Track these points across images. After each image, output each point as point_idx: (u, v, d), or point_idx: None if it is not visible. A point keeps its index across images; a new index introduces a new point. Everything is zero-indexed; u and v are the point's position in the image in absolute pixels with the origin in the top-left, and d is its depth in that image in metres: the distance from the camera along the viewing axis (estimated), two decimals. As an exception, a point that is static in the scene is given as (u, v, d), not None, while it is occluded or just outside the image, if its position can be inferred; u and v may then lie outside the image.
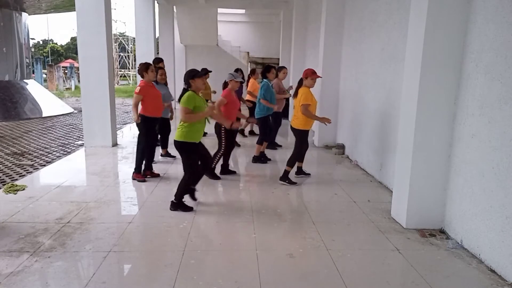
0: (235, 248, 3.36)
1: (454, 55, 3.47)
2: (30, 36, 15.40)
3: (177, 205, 4.12)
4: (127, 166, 6.10)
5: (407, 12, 4.26)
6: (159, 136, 6.19)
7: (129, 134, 9.22)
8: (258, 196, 4.72)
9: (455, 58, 3.48)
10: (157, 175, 5.35)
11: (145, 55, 11.48)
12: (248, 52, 18.30)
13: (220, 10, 16.66)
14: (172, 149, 6.49)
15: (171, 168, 5.86)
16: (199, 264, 3.03)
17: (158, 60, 7.10)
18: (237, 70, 7.58)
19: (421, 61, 3.48)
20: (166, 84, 6.10)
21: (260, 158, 6.26)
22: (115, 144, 7.57)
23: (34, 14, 16.61)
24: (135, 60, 28.90)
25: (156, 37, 12.88)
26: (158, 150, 6.27)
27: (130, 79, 43.15)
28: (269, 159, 6.35)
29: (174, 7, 14.94)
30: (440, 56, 3.47)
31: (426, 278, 2.89)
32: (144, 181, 5.12)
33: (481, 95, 3.19)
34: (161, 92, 5.38)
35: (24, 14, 14.06)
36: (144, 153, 5.13)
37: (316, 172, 5.77)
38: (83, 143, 7.59)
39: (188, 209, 4.10)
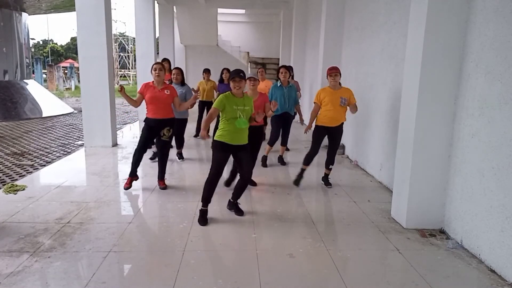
0: (235, 248, 3.36)
1: (454, 55, 3.47)
2: (30, 36, 15.41)
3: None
4: (127, 166, 6.09)
5: (407, 12, 4.26)
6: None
7: (129, 134, 9.23)
8: (258, 196, 4.72)
9: (455, 58, 3.48)
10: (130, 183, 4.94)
11: (145, 55, 11.48)
12: (248, 52, 18.31)
13: (220, 10, 16.68)
14: (184, 151, 6.67)
15: (176, 169, 5.86)
16: (199, 264, 3.03)
17: (162, 61, 7.17)
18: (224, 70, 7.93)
19: (421, 61, 3.48)
20: (182, 83, 6.04)
21: (282, 160, 6.32)
22: (115, 144, 7.57)
23: (34, 14, 16.61)
24: (135, 60, 28.90)
25: (156, 37, 12.87)
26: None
27: (130, 79, 43.17)
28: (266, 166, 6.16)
29: (174, 7, 14.94)
30: (440, 56, 3.47)
31: (426, 278, 2.89)
32: (165, 187, 4.91)
33: (481, 95, 3.19)
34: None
35: (24, 14, 14.07)
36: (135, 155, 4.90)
37: (316, 172, 5.77)
38: (83, 143, 7.59)
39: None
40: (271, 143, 6.18)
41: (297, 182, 5.12)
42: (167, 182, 5.06)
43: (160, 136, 4.78)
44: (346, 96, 4.83)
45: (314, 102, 4.97)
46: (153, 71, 4.74)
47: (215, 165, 3.86)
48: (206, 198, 3.93)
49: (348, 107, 4.92)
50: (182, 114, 6.09)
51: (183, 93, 5.96)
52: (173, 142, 6.84)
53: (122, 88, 4.64)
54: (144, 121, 4.86)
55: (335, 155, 5.11)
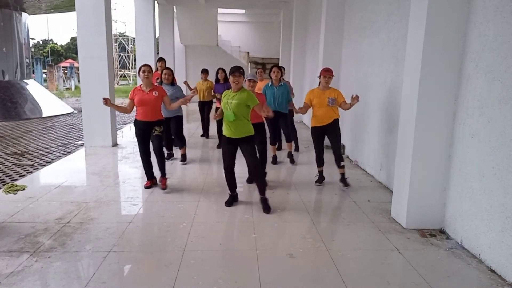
0: (235, 248, 3.36)
1: (454, 55, 3.47)
2: (30, 36, 15.40)
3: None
4: (127, 166, 6.10)
5: (407, 12, 4.26)
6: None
7: (129, 134, 9.22)
8: (258, 196, 4.71)
9: (455, 58, 3.48)
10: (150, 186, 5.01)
11: (145, 55, 11.50)
12: (248, 52, 18.31)
13: (220, 10, 16.68)
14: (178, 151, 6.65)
15: (176, 169, 5.86)
16: (199, 264, 3.03)
17: (158, 60, 7.18)
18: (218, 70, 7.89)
19: (421, 61, 3.48)
20: (172, 83, 6.10)
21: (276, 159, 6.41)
22: (115, 144, 7.57)
23: (34, 14, 16.60)
24: (135, 60, 28.89)
25: (156, 37, 12.88)
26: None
27: (130, 79, 43.17)
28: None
29: (174, 7, 14.94)
30: (440, 56, 3.47)
31: (426, 278, 2.89)
32: (165, 188, 4.90)
33: (481, 95, 3.19)
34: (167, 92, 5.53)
35: (24, 14, 14.07)
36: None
37: (316, 172, 5.76)
38: (83, 143, 7.59)
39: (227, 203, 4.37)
40: (272, 142, 6.32)
41: (319, 182, 5.26)
42: (167, 181, 5.07)
43: (152, 133, 4.81)
44: (333, 96, 4.97)
45: (304, 103, 5.15)
46: (141, 73, 4.70)
47: (223, 155, 4.38)
48: (229, 187, 4.40)
49: (339, 106, 5.06)
50: (176, 111, 6.11)
51: (174, 92, 5.98)
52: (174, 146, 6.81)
53: (106, 101, 4.55)
54: (134, 123, 4.90)
55: (339, 150, 5.15)
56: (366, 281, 2.85)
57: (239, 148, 4.28)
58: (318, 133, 5.14)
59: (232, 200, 4.37)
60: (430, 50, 3.46)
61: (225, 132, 4.27)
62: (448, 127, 3.59)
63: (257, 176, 4.34)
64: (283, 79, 6.77)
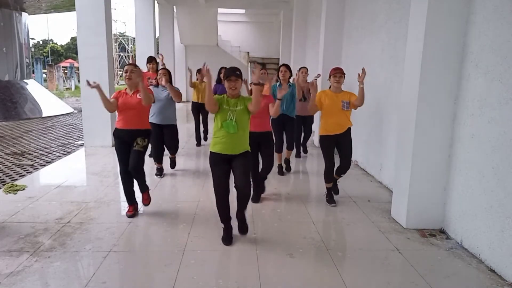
0: (235, 248, 3.36)
1: (454, 55, 3.47)
2: (30, 36, 15.41)
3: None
4: (127, 166, 6.09)
5: (407, 12, 4.26)
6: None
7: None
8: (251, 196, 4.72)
9: (455, 58, 3.48)
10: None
11: (145, 55, 11.43)
12: (248, 52, 18.31)
13: (220, 10, 16.69)
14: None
15: (176, 170, 5.86)
16: (199, 264, 3.03)
17: (149, 60, 6.80)
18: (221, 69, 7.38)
19: (421, 61, 3.48)
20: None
21: (288, 166, 5.95)
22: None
23: (34, 14, 16.61)
24: (135, 60, 28.85)
25: (156, 37, 12.88)
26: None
27: (130, 79, 43.10)
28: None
29: (174, 7, 14.95)
30: (440, 56, 3.47)
31: (426, 278, 2.89)
32: (148, 204, 4.22)
33: (481, 95, 3.19)
34: (159, 96, 5.12)
35: (24, 14, 14.07)
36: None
37: (316, 172, 5.77)
38: (83, 143, 7.59)
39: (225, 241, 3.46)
40: (278, 150, 5.69)
41: (329, 201, 4.53)
42: (166, 182, 5.06)
43: (133, 146, 3.90)
44: (347, 99, 4.35)
45: (313, 103, 4.48)
46: (124, 74, 3.99)
47: (214, 181, 3.37)
48: (223, 219, 3.50)
49: (353, 106, 4.40)
50: (169, 119, 5.41)
51: (169, 96, 5.30)
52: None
53: (98, 85, 3.93)
54: (113, 134, 4.11)
55: (349, 165, 4.50)
56: (366, 281, 2.85)
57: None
58: (329, 143, 4.43)
59: (231, 234, 3.50)
60: (430, 50, 3.46)
61: (217, 147, 3.33)
62: (448, 127, 3.59)
63: (244, 197, 3.44)
64: (308, 82, 6.53)
